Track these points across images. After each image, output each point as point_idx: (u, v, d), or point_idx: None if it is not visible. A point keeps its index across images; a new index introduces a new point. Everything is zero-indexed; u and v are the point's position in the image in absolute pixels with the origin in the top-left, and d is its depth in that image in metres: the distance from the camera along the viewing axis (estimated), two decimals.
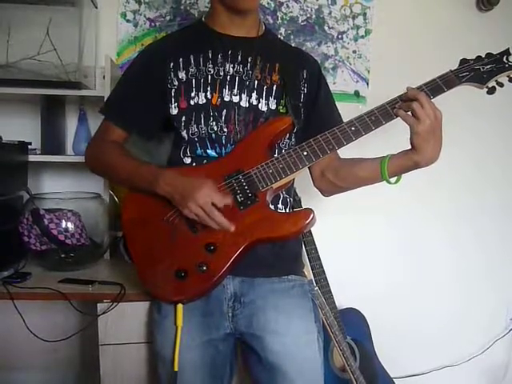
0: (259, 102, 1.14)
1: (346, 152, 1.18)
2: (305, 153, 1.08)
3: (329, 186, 1.23)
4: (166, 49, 1.18)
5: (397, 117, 1.05)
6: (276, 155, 1.12)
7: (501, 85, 1.08)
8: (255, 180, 1.08)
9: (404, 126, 1.04)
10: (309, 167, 1.19)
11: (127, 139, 1.22)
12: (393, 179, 1.10)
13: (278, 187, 1.11)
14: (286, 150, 1.14)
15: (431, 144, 1.01)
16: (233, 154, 1.12)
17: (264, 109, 1.14)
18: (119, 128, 1.19)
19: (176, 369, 1.07)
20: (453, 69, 1.08)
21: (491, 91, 1.08)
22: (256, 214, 1.06)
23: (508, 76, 1.08)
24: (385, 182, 1.10)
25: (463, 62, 1.09)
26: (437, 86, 1.06)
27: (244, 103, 1.13)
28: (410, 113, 1.02)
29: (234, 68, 1.14)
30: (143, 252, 1.12)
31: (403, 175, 1.10)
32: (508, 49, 1.08)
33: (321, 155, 1.08)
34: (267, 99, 1.15)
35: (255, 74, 1.15)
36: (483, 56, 1.09)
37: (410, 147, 1.04)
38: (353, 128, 1.07)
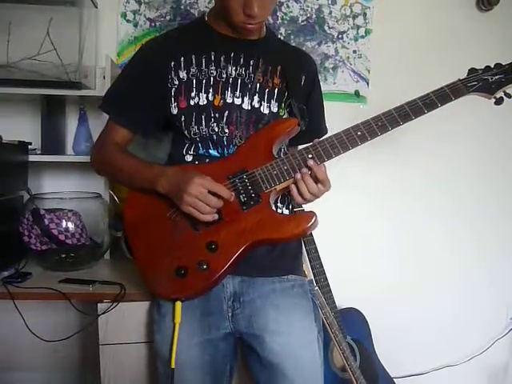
0: (261, 105, 1.14)
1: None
2: (310, 155, 1.08)
3: None
4: (167, 47, 1.16)
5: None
6: (281, 156, 1.11)
7: (509, 96, 1.09)
8: (259, 180, 1.07)
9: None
10: None
11: (132, 139, 1.21)
12: None
13: (282, 189, 1.10)
14: (283, 153, 1.14)
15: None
16: (237, 154, 1.12)
17: (266, 111, 1.14)
18: (124, 128, 1.18)
19: (173, 366, 1.07)
20: (461, 78, 1.09)
21: (499, 102, 1.08)
22: (258, 214, 1.06)
23: None
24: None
25: (472, 71, 1.10)
26: (444, 95, 1.07)
27: (246, 106, 1.13)
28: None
29: (236, 70, 1.14)
30: (144, 249, 1.12)
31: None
32: None
33: (326, 159, 1.08)
34: (269, 102, 1.15)
35: (257, 76, 1.15)
36: (492, 66, 1.09)
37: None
38: (359, 133, 1.07)
